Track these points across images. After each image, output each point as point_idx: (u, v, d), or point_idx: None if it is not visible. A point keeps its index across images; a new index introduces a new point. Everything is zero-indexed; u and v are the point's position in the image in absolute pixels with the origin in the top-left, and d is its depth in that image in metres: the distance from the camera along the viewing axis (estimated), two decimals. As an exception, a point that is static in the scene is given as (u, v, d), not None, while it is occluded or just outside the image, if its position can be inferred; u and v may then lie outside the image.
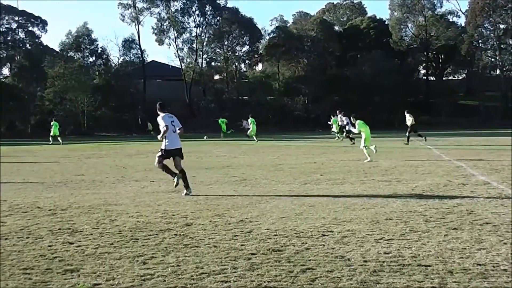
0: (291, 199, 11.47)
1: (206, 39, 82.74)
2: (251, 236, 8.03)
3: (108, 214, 10.07)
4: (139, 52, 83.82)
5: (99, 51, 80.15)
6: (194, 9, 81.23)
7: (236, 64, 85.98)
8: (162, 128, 12.88)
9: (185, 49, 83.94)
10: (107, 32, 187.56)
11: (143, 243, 7.69)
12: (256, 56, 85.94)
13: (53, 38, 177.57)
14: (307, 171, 17.54)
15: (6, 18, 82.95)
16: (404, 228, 8.35)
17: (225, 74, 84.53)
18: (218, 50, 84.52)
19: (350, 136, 33.29)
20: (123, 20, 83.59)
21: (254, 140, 38.60)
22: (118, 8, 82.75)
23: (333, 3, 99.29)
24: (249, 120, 38.77)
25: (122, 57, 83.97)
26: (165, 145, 13.00)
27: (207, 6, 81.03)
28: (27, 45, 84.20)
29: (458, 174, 15.70)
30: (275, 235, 8.06)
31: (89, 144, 43.00)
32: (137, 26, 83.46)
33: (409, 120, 33.32)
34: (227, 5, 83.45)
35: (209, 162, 22.41)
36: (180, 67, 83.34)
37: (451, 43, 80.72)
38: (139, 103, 75.51)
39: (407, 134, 33.01)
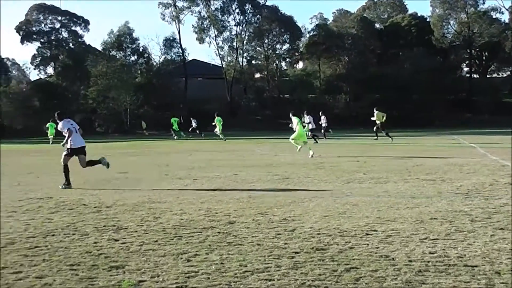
0: (334, 198, 11.42)
1: (246, 37, 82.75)
2: (294, 234, 8.01)
3: (152, 211, 10.15)
4: (180, 51, 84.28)
5: (140, 50, 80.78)
6: (234, 8, 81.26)
7: (277, 62, 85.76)
8: (65, 133, 14.61)
9: (226, 48, 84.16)
10: (148, 31, 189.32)
11: (186, 240, 7.73)
12: (296, 54, 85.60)
13: (95, 37, 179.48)
14: (350, 169, 17.43)
15: (50, 18, 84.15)
16: (450, 228, 8.25)
17: (265, 72, 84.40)
18: (259, 48, 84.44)
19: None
20: (163, 19, 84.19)
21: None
22: (159, 7, 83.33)
23: (373, 0, 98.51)
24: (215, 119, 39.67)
25: (163, 56, 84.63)
26: (70, 145, 14.67)
27: (247, 5, 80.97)
28: (70, 45, 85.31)
29: (504, 173, 15.42)
30: (318, 233, 8.03)
31: (132, 142, 43.36)
32: (177, 25, 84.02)
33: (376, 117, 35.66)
34: (267, 3, 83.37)
35: (252, 160, 22.43)
36: (221, 65, 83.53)
37: (495, 40, 79.62)
38: (181, 102, 75.86)
39: (374, 129, 36.09)
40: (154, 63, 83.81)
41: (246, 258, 6.74)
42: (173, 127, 51.69)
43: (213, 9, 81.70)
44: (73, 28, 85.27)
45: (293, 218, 9.23)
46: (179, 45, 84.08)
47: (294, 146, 25.13)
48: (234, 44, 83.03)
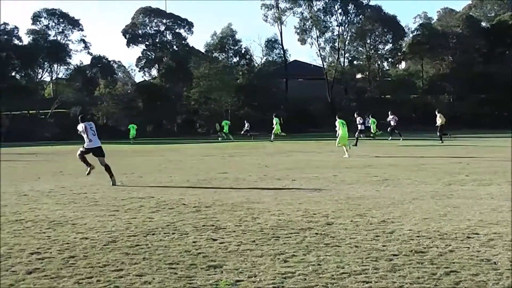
0: (434, 200, 11.17)
1: (348, 37, 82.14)
2: (393, 237, 7.88)
3: (250, 212, 10.21)
4: (282, 52, 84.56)
5: (242, 51, 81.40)
6: (336, 8, 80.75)
7: (379, 62, 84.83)
8: (82, 133, 16.44)
9: (327, 48, 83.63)
10: (251, 32, 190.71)
11: (284, 241, 7.73)
12: (399, 54, 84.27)
13: (198, 39, 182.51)
14: (452, 171, 17.04)
15: (155, 21, 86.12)
16: (557, 233, 7.93)
17: (367, 73, 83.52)
18: (361, 48, 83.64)
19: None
20: (266, 21, 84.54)
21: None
22: (261, 8, 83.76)
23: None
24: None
25: (264, 57, 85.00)
26: (87, 145, 16.35)
27: (350, 5, 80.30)
28: (174, 47, 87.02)
29: None
30: (418, 236, 7.88)
31: (232, 143, 43.83)
32: (279, 26, 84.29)
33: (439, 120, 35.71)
34: (370, 3, 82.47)
35: (351, 161, 22.25)
36: (322, 66, 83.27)
37: None
38: (281, 103, 76.06)
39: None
40: (256, 64, 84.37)
41: (344, 259, 6.68)
42: (224, 130, 52.98)
43: (316, 9, 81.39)
44: (177, 30, 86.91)
45: (392, 220, 9.09)
46: (280, 46, 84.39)
47: (344, 150, 25.37)
48: (336, 44, 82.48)
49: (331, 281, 5.83)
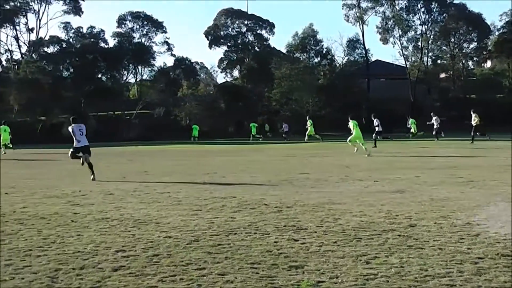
0: (522, 202, 10.88)
1: (431, 36, 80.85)
2: (478, 239, 7.70)
3: (332, 212, 10.15)
4: (363, 52, 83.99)
5: (324, 51, 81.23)
6: (419, 7, 79.68)
7: (463, 61, 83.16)
8: (72, 134, 18.38)
9: (410, 48, 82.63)
10: (332, 32, 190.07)
11: (366, 242, 7.66)
12: (484, 53, 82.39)
13: (279, 40, 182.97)
14: (540, 173, 16.53)
15: (237, 22, 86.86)
16: None
17: (451, 72, 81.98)
18: (444, 47, 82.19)
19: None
20: (347, 21, 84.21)
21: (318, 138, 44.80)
22: (343, 8, 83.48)
23: None
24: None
25: (346, 57, 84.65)
26: (76, 144, 18.32)
27: (433, 3, 79.08)
28: (256, 48, 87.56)
29: None
30: (505, 239, 7.66)
31: (313, 143, 43.76)
32: (361, 26, 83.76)
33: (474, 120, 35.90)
34: (454, 1, 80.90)
35: (434, 162, 21.90)
36: (404, 65, 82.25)
37: None
38: (363, 103, 75.49)
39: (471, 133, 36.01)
40: (337, 65, 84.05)
41: (427, 262, 6.57)
42: (252, 132, 53.73)
43: (398, 8, 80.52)
44: (258, 31, 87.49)
45: (478, 223, 8.87)
46: (362, 46, 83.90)
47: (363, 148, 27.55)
48: (419, 43, 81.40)
49: (414, 284, 5.75)
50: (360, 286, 5.72)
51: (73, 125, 18.42)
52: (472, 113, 36.57)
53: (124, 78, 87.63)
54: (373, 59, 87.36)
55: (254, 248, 7.46)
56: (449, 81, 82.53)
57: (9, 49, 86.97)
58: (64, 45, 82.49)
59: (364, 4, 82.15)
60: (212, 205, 11.29)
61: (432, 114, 42.35)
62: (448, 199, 11.45)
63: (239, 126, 74.87)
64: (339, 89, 75.04)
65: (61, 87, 78.71)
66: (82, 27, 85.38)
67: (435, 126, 41.29)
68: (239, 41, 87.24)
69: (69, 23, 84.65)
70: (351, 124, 27.57)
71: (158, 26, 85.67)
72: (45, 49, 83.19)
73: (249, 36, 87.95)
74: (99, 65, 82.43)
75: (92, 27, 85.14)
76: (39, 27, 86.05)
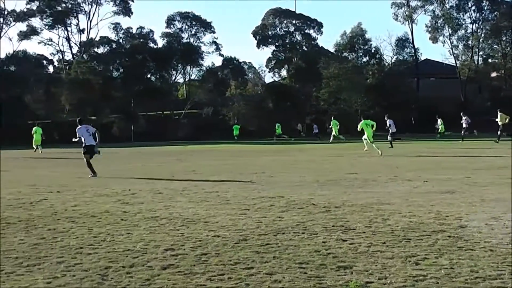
0: None
1: (482, 35, 79.67)
2: (531, 241, 7.58)
3: (380, 213, 10.08)
4: (412, 51, 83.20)
5: (372, 51, 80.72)
6: (470, 5, 78.61)
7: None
8: (79, 136, 19.61)
9: (460, 46, 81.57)
10: (381, 31, 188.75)
11: (415, 243, 7.58)
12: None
13: (328, 40, 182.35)
14: None
15: (285, 22, 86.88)
16: None
17: (503, 71, 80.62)
18: (496, 46, 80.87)
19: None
20: (396, 19, 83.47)
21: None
22: (392, 7, 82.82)
23: None
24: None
25: (395, 56, 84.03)
26: (85, 144, 19.39)
27: (484, 1, 77.92)
28: (304, 47, 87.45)
29: None
30: (558, 241, 7.53)
31: (361, 143, 43.46)
32: (410, 25, 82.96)
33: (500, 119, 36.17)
34: (506, -1, 79.71)
35: (485, 162, 21.56)
36: (454, 64, 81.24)
37: None
38: (412, 102, 74.79)
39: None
40: (386, 64, 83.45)
41: (478, 263, 6.48)
42: (276, 133, 54.04)
43: (448, 7, 79.55)
44: (306, 31, 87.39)
45: (530, 224, 8.73)
46: (411, 45, 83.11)
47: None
48: (469, 42, 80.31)
49: (464, 285, 5.68)
50: (409, 287, 5.67)
51: (80, 126, 19.82)
52: (498, 112, 36.61)
53: (173, 78, 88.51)
54: (422, 58, 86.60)
55: (302, 248, 7.45)
56: (500, 80, 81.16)
57: (60, 50, 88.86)
58: (114, 46, 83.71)
59: (413, 3, 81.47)
60: (260, 205, 11.31)
61: (462, 114, 42.11)
62: (499, 200, 11.27)
63: (287, 126, 74.89)
64: (388, 88, 74.44)
65: (111, 87, 79.89)
66: (131, 28, 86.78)
67: (464, 126, 41.07)
68: (287, 41, 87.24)
69: (119, 23, 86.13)
70: (361, 124, 29.41)
71: (207, 26, 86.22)
72: (96, 49, 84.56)
73: (297, 36, 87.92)
74: (148, 65, 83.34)
75: (141, 27, 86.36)
76: (90, 28, 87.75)
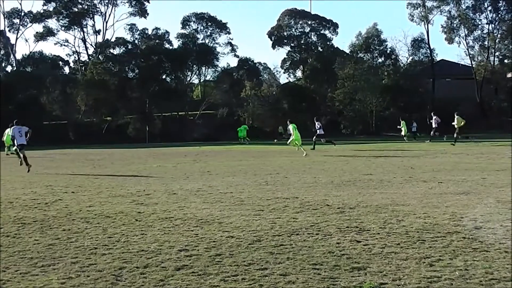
0: None
1: (499, 35, 79.18)
2: (546, 243, 7.53)
3: (395, 214, 10.06)
4: (428, 51, 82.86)
5: (388, 51, 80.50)
6: (486, 5, 78.19)
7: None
8: (11, 135, 24.46)
9: (476, 47, 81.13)
10: (396, 32, 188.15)
11: (430, 244, 7.56)
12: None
13: (343, 40, 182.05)
14: None
15: (300, 22, 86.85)
16: None
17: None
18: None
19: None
20: (412, 20, 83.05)
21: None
22: (407, 8, 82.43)
23: None
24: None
25: (410, 57, 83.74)
26: (16, 143, 23.31)
27: (501, 1, 77.51)
28: (319, 48, 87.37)
29: None
30: None
31: (378, 144, 43.39)
32: (426, 25, 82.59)
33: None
34: (519, 0, 79.19)
35: (501, 164, 21.42)
36: (470, 65, 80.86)
37: None
38: (428, 103, 74.53)
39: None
40: (401, 64, 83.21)
41: (493, 265, 6.45)
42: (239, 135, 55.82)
43: (464, 7, 79.14)
44: (322, 31, 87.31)
45: (546, 226, 8.67)
46: (427, 46, 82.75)
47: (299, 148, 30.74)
48: (486, 43, 79.86)
49: (479, 287, 5.67)
50: (423, 289, 5.67)
51: (12, 127, 24.26)
52: (455, 115, 38.07)
53: (188, 79, 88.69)
54: (438, 58, 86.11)
55: (316, 249, 7.45)
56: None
57: (76, 51, 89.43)
58: (129, 47, 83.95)
59: (429, 3, 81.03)
60: (274, 206, 11.32)
61: (432, 114, 42.95)
62: (515, 201, 11.21)
63: (302, 127, 74.71)
64: (404, 89, 74.29)
65: (127, 88, 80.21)
66: (147, 29, 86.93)
67: (433, 126, 41.48)
68: (302, 42, 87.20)
69: (134, 24, 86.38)
70: (290, 127, 30.56)
71: (222, 27, 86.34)
72: (111, 50, 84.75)
73: (312, 36, 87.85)
74: (163, 66, 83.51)
75: (157, 28, 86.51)
76: (106, 29, 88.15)
